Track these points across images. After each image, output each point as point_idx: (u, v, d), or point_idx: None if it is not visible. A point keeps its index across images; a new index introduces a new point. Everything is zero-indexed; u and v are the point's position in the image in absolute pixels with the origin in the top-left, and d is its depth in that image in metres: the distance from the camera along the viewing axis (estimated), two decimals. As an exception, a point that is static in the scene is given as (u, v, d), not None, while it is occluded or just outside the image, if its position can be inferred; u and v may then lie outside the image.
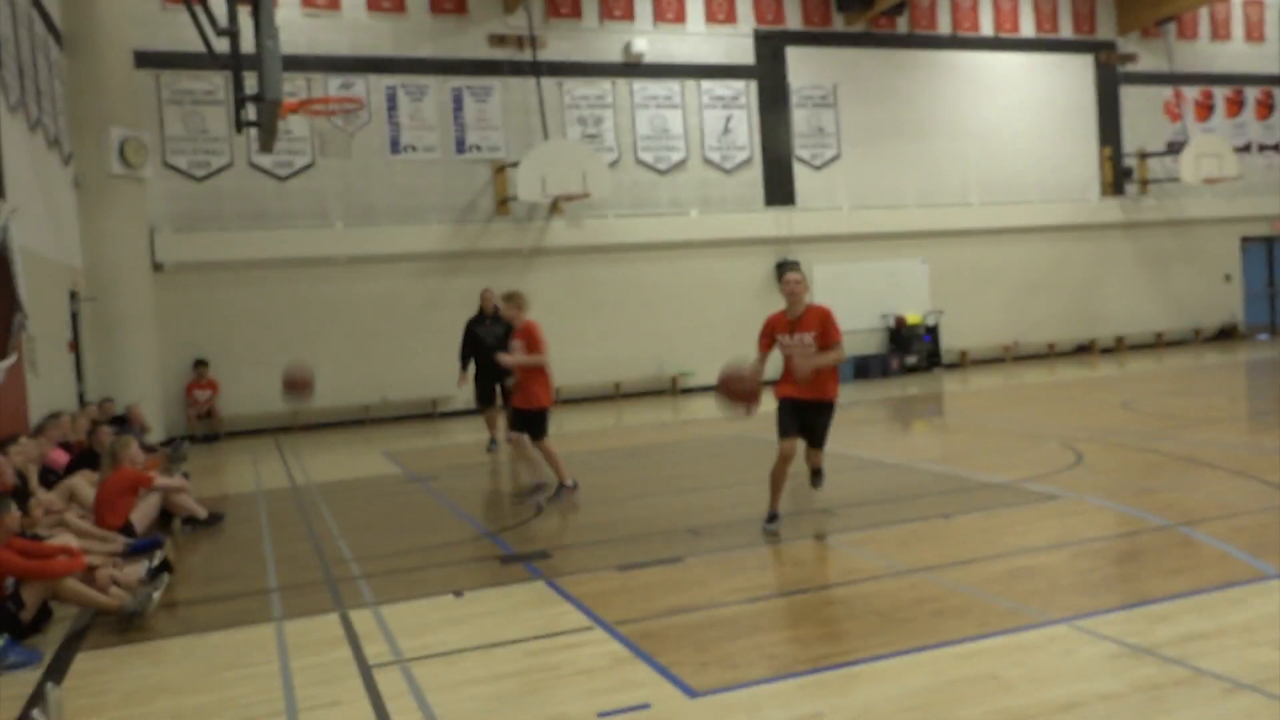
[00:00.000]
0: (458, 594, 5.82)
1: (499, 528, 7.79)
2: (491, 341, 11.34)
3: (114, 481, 7.90)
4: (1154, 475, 7.98)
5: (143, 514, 7.90)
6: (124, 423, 12.74)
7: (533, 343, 8.39)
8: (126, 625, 5.56)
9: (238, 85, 8.21)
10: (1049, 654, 4.25)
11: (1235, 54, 23.29)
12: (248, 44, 8.65)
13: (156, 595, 5.66)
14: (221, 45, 9.35)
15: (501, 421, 11.53)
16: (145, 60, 15.66)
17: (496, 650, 4.80)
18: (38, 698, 4.18)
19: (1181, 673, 3.95)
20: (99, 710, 4.41)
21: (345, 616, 5.53)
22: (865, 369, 19.40)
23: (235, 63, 8.10)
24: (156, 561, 6.51)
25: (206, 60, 9.90)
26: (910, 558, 5.98)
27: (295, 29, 16.67)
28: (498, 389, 11.86)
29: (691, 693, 4.08)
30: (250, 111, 8.50)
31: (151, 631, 5.55)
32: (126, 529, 7.82)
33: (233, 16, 7.86)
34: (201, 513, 8.28)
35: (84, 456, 9.81)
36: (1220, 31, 23.04)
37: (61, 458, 9.79)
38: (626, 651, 4.63)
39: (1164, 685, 3.85)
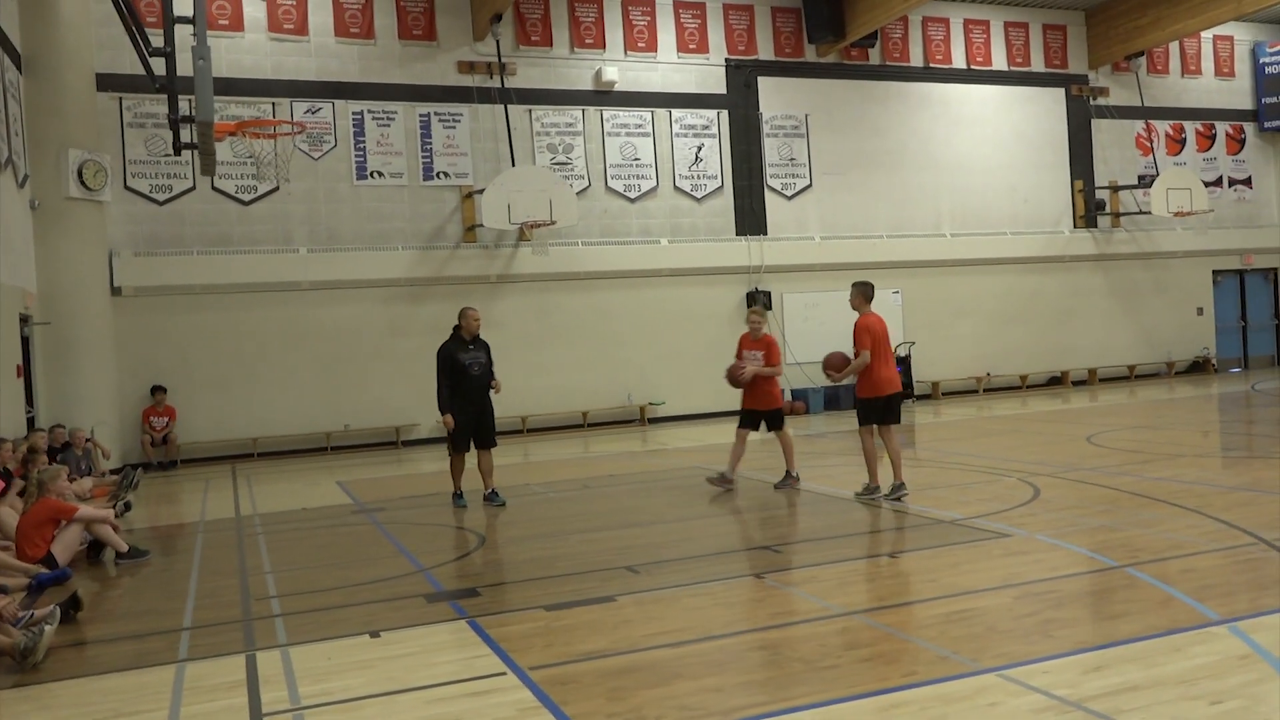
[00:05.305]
0: (374, 635, 5.57)
1: (435, 563, 7.53)
2: (479, 371, 9.77)
3: (35, 512, 7.64)
4: (1109, 512, 7.80)
5: (65, 545, 7.63)
6: (68, 449, 12.46)
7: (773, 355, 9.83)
8: (20, 665, 5.28)
9: (172, 106, 8.03)
10: (972, 707, 4.03)
11: (1205, 89, 23.45)
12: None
13: (49, 629, 5.39)
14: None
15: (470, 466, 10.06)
16: (107, 83, 15.48)
17: (399, 698, 4.55)
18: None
19: (1107, 728, 3.74)
20: (-33, 762, 4.15)
21: (252, 659, 5.28)
22: (835, 400, 19.24)
23: (171, 84, 7.93)
24: (66, 596, 6.23)
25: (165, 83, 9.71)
26: (847, 599, 5.77)
27: (262, 53, 16.56)
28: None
29: (591, 747, 3.85)
30: (189, 133, 8.31)
31: (47, 673, 5.27)
32: (48, 560, 7.55)
33: (168, 37, 7.69)
34: (122, 546, 7.99)
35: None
36: (1190, 67, 23.20)
37: (-4, 486, 9.49)
38: (534, 700, 4.39)
39: (1086, 742, 3.64)
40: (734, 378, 9.88)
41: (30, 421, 13.34)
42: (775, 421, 9.99)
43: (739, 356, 9.99)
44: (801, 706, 4.13)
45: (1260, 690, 4.03)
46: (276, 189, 16.44)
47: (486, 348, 10.03)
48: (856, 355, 8.83)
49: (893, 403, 8.87)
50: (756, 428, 10.06)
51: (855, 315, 8.95)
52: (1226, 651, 4.50)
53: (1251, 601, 5.22)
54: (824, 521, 8.40)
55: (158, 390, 15.69)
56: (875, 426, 8.92)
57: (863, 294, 8.95)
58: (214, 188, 16.25)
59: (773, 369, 9.81)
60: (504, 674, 4.77)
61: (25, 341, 13.51)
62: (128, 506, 10.88)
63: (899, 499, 8.68)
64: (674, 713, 4.16)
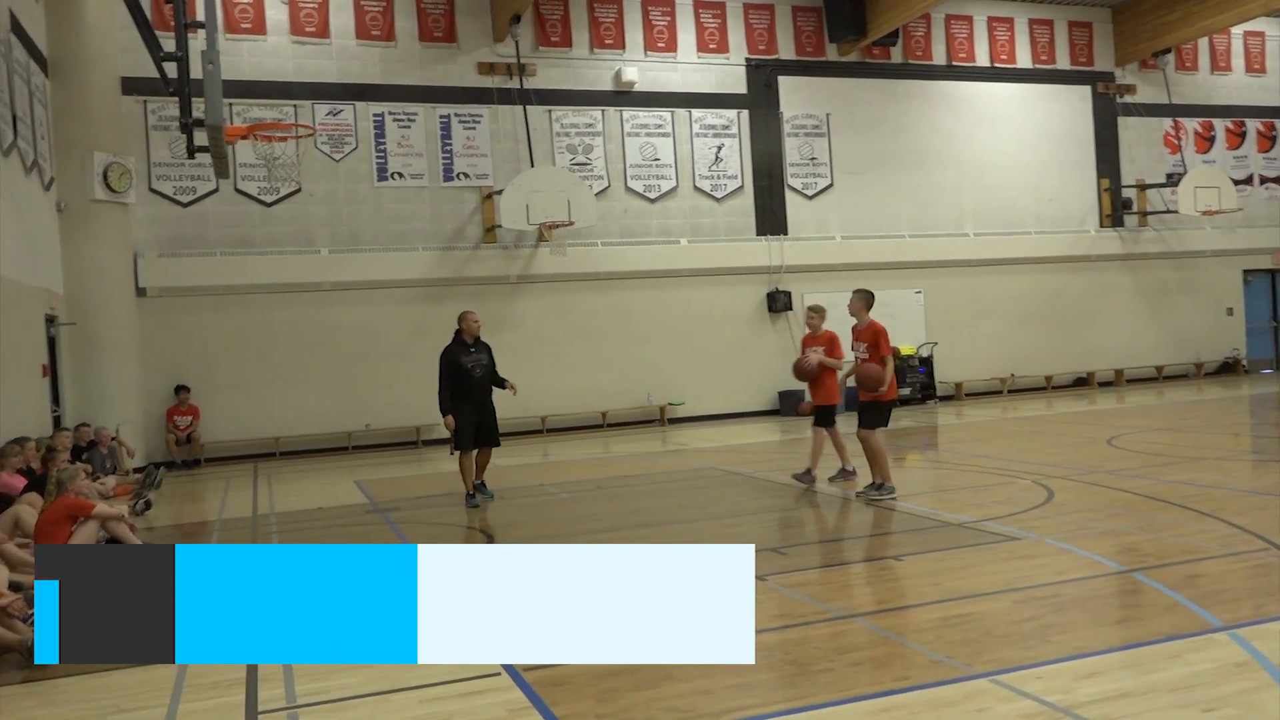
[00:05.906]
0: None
1: (442, 563, 7.57)
2: (480, 374, 10.02)
3: (53, 510, 7.75)
4: (1120, 516, 7.70)
5: (80, 542, 7.72)
6: (94, 447, 12.65)
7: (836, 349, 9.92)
8: (27, 661, 5.38)
9: (184, 110, 8.13)
10: (961, 712, 4.00)
11: (1235, 86, 23.08)
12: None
13: (56, 631, 5.47)
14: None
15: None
16: (132, 87, 15.66)
17: (393, 697, 4.59)
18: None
19: (1096, 736, 3.71)
20: (-32, 756, 4.23)
21: (253, 657, 5.33)
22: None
23: (183, 88, 8.04)
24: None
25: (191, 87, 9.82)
26: (848, 602, 5.75)
27: (284, 56, 16.72)
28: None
29: (576, 749, 3.86)
30: (202, 136, 8.42)
31: (53, 669, 5.35)
32: (64, 559, 7.66)
33: (180, 42, 7.80)
34: (136, 544, 8.09)
35: (40, 483, 9.67)
36: (1220, 63, 22.86)
37: (18, 483, 9.65)
38: (526, 701, 4.42)
39: (1073, 750, 3.60)
40: (800, 369, 10.03)
41: (56, 421, 13.56)
42: (825, 418, 10.09)
43: (802, 354, 10.18)
44: (791, 710, 4.12)
45: (1256, 698, 3.97)
46: (298, 190, 16.60)
47: (488, 349, 10.20)
48: (881, 360, 8.99)
49: None
50: (831, 423, 10.12)
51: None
52: (1225, 658, 4.44)
53: (1256, 608, 5.14)
54: (833, 523, 8.37)
55: (182, 390, 15.89)
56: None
57: (864, 301, 9.18)
58: (237, 189, 16.44)
59: (835, 361, 9.92)
60: (498, 674, 4.80)
61: (51, 342, 13.73)
62: (148, 505, 11.04)
63: (880, 496, 9.03)
64: (663, 715, 4.17)
